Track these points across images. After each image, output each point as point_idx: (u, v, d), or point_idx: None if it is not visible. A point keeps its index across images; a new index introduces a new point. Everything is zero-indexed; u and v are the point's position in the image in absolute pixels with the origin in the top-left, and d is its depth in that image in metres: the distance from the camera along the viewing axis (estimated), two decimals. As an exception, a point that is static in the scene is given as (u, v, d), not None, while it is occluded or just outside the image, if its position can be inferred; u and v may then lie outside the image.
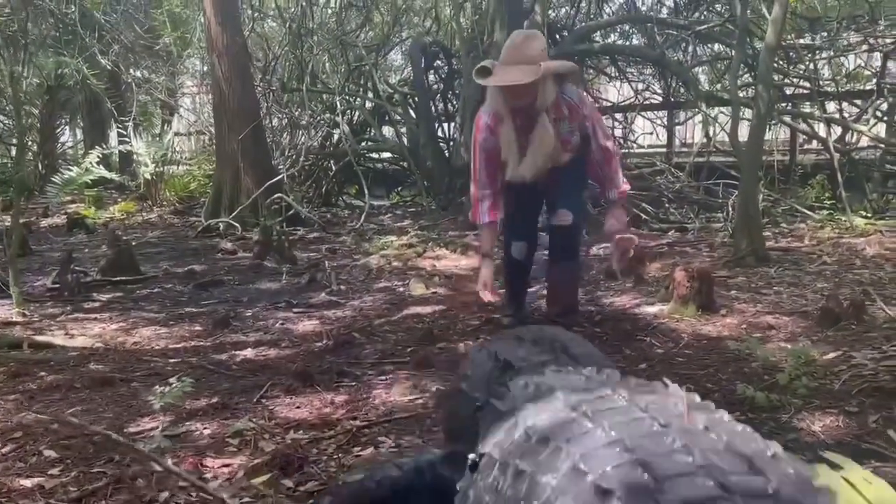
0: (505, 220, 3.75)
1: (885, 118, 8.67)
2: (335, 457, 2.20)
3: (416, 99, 10.21)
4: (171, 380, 2.59)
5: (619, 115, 10.91)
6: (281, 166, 9.17)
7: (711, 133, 8.41)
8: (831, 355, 3.10)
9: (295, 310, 4.41)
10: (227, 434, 2.40)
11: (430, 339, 3.55)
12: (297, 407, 2.67)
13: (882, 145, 8.28)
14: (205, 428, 2.50)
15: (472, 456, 1.28)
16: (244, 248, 6.87)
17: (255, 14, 9.74)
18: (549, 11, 9.78)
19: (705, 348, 3.36)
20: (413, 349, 3.43)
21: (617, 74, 11.09)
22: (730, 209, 7.32)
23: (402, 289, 4.89)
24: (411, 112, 10.51)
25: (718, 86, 9.58)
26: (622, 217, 3.70)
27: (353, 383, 2.97)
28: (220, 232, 7.91)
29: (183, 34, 10.50)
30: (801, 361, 2.93)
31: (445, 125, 10.91)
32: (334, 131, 10.25)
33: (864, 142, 8.88)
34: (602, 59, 10.90)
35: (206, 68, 10.89)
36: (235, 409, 2.68)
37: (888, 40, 8.36)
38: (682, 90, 10.14)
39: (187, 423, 2.54)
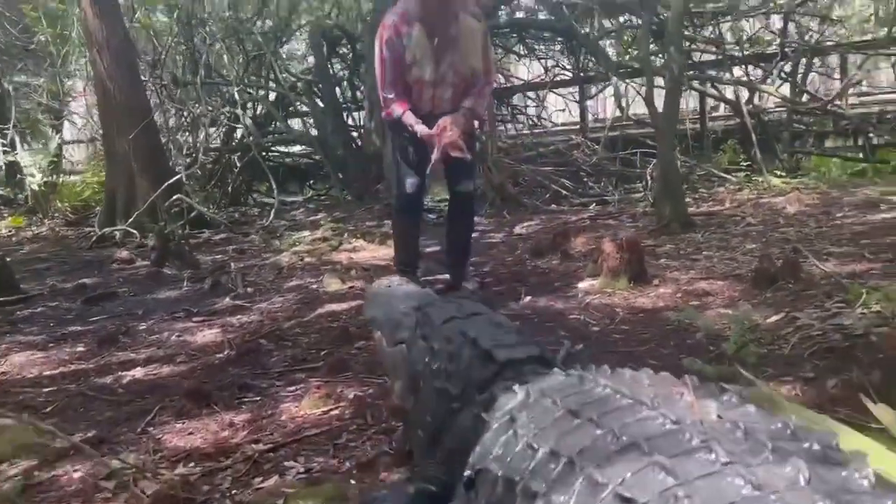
0: (400, 158, 3.80)
1: (790, 78, 8.77)
2: (230, 493, 1.83)
3: (321, 87, 9.75)
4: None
5: (531, 94, 10.72)
6: (180, 166, 8.55)
7: (623, 104, 8.30)
8: (774, 318, 2.92)
9: (195, 319, 3.96)
10: (101, 476, 1.99)
11: (347, 339, 3.20)
12: (190, 433, 2.28)
13: (789, 105, 8.36)
14: (75, 470, 2.08)
15: (467, 473, 1.22)
16: (142, 257, 6.30)
17: (138, 3, 9.03)
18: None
19: (643, 322, 3.13)
20: (327, 352, 3.07)
21: (525, 52, 10.89)
22: (648, 178, 7.23)
23: (315, 286, 4.50)
24: (317, 101, 10.04)
25: (627, 57, 9.50)
26: (460, 121, 3.59)
27: (258, 398, 2.59)
28: (116, 241, 7.29)
29: (62, 31, 9.67)
30: (746, 327, 2.74)
31: (354, 114, 10.50)
32: (237, 126, 9.67)
33: (771, 103, 8.99)
34: (510, 37, 10.68)
35: (90, 70, 10.13)
36: (115, 443, 2.26)
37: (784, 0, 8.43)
38: (591, 64, 10.04)
39: (54, 466, 2.11)
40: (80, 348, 3.53)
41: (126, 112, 7.59)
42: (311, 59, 11.39)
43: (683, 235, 4.93)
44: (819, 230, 4.65)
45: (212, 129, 9.92)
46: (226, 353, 3.19)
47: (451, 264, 4.09)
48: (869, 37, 9.25)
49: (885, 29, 8.83)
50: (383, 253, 5.42)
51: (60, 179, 10.25)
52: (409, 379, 1.81)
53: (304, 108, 10.38)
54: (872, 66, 9.85)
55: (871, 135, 8.71)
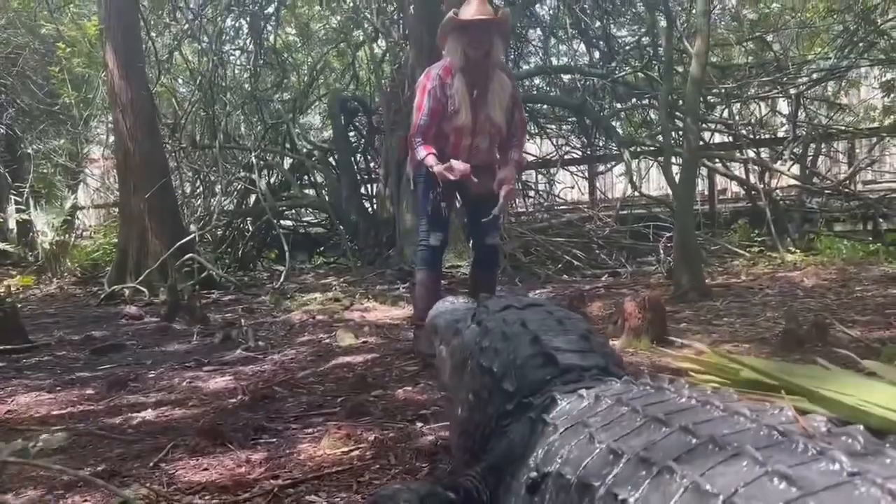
0: (427, 211, 3.82)
1: (799, 161, 8.89)
2: (251, 524, 1.73)
3: (337, 156, 9.91)
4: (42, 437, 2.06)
5: (541, 170, 10.88)
6: (192, 227, 8.60)
7: (634, 179, 8.39)
8: (807, 377, 2.82)
9: (206, 368, 3.87)
10: (112, 506, 1.89)
11: (364, 387, 3.11)
12: (205, 469, 2.18)
13: (801, 186, 8.44)
14: (84, 501, 1.98)
15: (532, 475, 1.14)
16: (151, 313, 6.25)
17: (162, 68, 9.28)
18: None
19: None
20: (344, 398, 2.98)
21: (537, 131, 11.12)
22: (661, 251, 7.23)
23: (328, 340, 4.43)
24: (332, 170, 10.19)
25: (637, 134, 9.67)
26: (513, 172, 3.87)
27: (274, 439, 2.49)
28: (125, 298, 7.25)
29: (85, 95, 9.92)
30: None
31: (367, 185, 10.64)
32: (251, 190, 9.78)
33: (782, 184, 9.09)
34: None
35: (111, 134, 10.32)
36: (127, 477, 2.16)
37: (792, 87, 8.64)
38: (601, 143, 10.23)
39: (63, 496, 2.01)
40: (89, 391, 3.44)
41: (144, 171, 7.69)
42: (325, 133, 11.67)
43: (701, 303, 4.88)
44: (840, 301, 4.59)
45: (226, 194, 10.02)
46: (239, 398, 3.09)
47: None
48: (875, 124, 9.45)
49: (892, 117, 9.03)
50: (396, 313, 5.36)
51: (72, 239, 10.29)
52: (458, 363, 1.76)
53: (319, 178, 10.53)
54: (878, 152, 10.00)
55: (880, 219, 8.76)
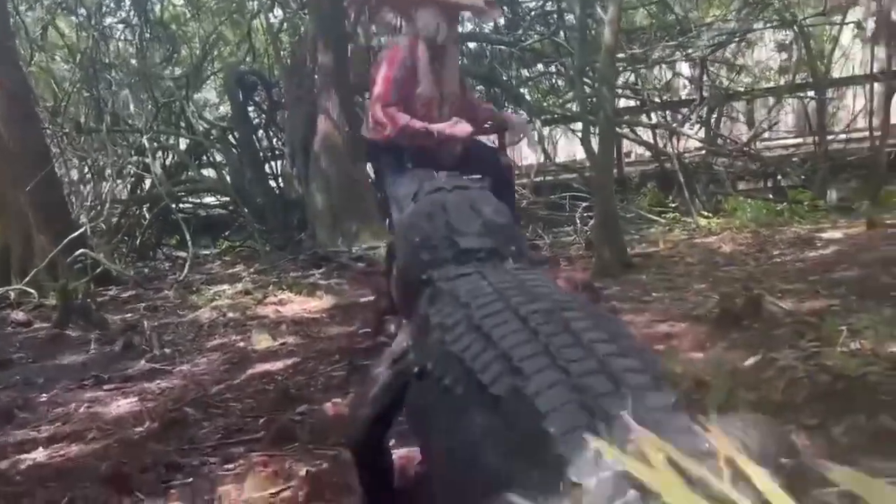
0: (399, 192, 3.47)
1: (704, 123, 9.02)
2: None
3: (238, 134, 9.36)
4: None
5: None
6: (83, 218, 7.93)
7: (547, 147, 8.30)
8: (752, 360, 2.75)
9: (106, 387, 3.49)
10: None
11: (287, 403, 2.84)
12: (109, 531, 1.87)
13: (707, 148, 8.57)
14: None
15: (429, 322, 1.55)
16: (41, 318, 5.69)
17: (35, 45, 8.47)
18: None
19: (612, 370, 2.91)
20: (266, 419, 2.70)
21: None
22: (578, 221, 7.18)
23: (242, 343, 4.09)
24: (233, 149, 9.63)
25: (546, 103, 9.58)
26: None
27: (190, 479, 2.20)
28: (11, 302, 6.60)
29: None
30: (727, 371, 2.56)
31: (272, 162, 10.13)
32: (146, 175, 9.12)
33: (687, 147, 9.21)
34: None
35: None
36: (13, 550, 1.83)
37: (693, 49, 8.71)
38: (510, 110, 10.09)
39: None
40: (-34, 429, 3.01)
41: (23, 160, 6.98)
42: (223, 108, 11.02)
43: (626, 277, 4.81)
44: (761, 268, 4.62)
45: (118, 180, 9.32)
46: (146, 425, 2.76)
47: None
48: (772, 83, 9.69)
49: (788, 76, 9.28)
50: (314, 305, 5.06)
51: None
52: (398, 234, 2.11)
53: (220, 158, 9.96)
54: (776, 112, 10.28)
55: (780, 177, 9.03)
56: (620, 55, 8.79)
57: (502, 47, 9.19)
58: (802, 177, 8.10)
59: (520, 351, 1.20)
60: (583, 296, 3.36)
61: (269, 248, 8.02)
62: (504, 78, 9.19)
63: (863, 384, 2.24)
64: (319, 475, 2.10)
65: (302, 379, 3.21)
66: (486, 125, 3.95)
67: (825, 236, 5.45)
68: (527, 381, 1.12)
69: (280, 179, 9.48)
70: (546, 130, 8.47)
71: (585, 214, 7.17)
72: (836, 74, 9.26)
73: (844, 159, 8.37)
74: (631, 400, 1.02)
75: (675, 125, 8.55)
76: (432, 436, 1.40)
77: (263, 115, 9.98)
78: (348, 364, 3.30)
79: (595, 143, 5.43)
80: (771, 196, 8.71)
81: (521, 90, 9.31)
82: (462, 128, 3.51)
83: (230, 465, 2.27)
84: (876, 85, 8.51)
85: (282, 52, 9.19)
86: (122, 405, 3.13)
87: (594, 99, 6.82)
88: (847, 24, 8.67)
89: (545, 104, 9.01)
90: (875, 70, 8.66)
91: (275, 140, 10.01)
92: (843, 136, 8.77)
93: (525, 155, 11.10)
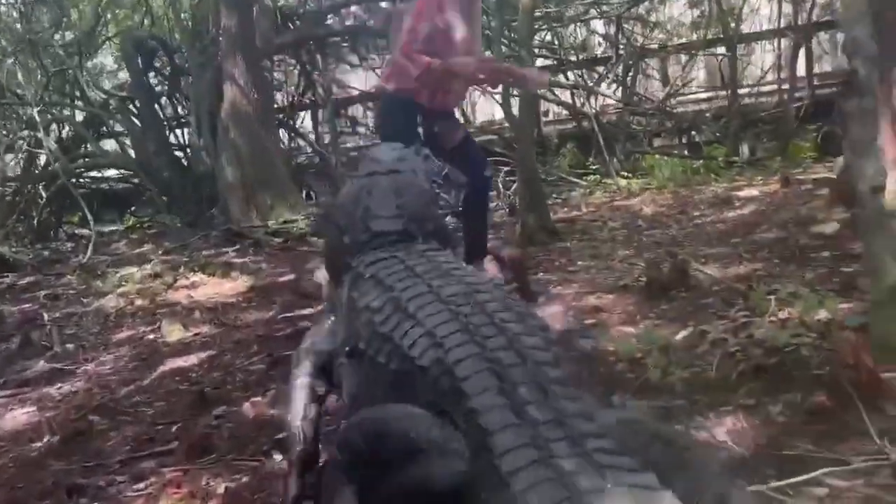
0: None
1: (620, 82, 9.04)
2: None
3: (138, 103, 8.80)
4: None
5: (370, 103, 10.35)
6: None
7: (467, 111, 8.15)
8: (683, 333, 2.71)
9: (0, 393, 3.19)
10: None
11: (203, 406, 2.63)
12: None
13: (623, 107, 8.59)
14: None
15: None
16: (-74, 313, 5.22)
17: None
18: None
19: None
20: (180, 426, 2.49)
21: (359, 62, 10.51)
22: (500, 186, 7.09)
23: (152, 336, 3.83)
24: (135, 120, 9.06)
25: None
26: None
27: (95, 505, 1.99)
28: None
29: None
30: (658, 346, 2.51)
31: (178, 131, 9.61)
32: (39, 151, 8.49)
33: (602, 106, 9.22)
34: (342, 46, 10.26)
35: None
36: None
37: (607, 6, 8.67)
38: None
39: None
40: None
41: None
42: (121, 75, 10.35)
43: (552, 245, 4.76)
44: (684, 231, 4.64)
45: (9, 156, 8.66)
46: (46, 439, 2.51)
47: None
48: (684, 39, 9.75)
49: (701, 31, 9.36)
50: (229, 288, 4.80)
51: None
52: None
53: (120, 129, 9.36)
54: (689, 68, 10.39)
55: (693, 133, 9.18)
56: (537, 13, 8.67)
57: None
58: (718, 133, 8.22)
59: (443, 328, 1.44)
60: (503, 275, 3.30)
61: (179, 225, 7.63)
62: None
63: (795, 358, 2.22)
64: (240, 491, 1.93)
65: (218, 375, 2.99)
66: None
67: (742, 195, 5.54)
68: (448, 353, 1.37)
69: (187, 150, 9.00)
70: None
71: (508, 179, 7.09)
72: (745, 30, 9.41)
73: (755, 114, 8.55)
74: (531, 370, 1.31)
75: (591, 84, 8.51)
76: (368, 403, 1.54)
77: (166, 83, 9.43)
78: (268, 356, 3.11)
79: (515, 105, 5.31)
80: (686, 152, 8.86)
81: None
82: (464, 63, 3.45)
83: (140, 485, 2.07)
84: (783, 40, 8.71)
85: (182, 15, 8.65)
86: (19, 415, 2.86)
87: (512, 59, 6.67)
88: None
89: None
90: (782, 25, 8.87)
91: (179, 108, 9.48)
92: (753, 91, 8.95)
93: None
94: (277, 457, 2.11)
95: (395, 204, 2.00)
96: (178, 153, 9.20)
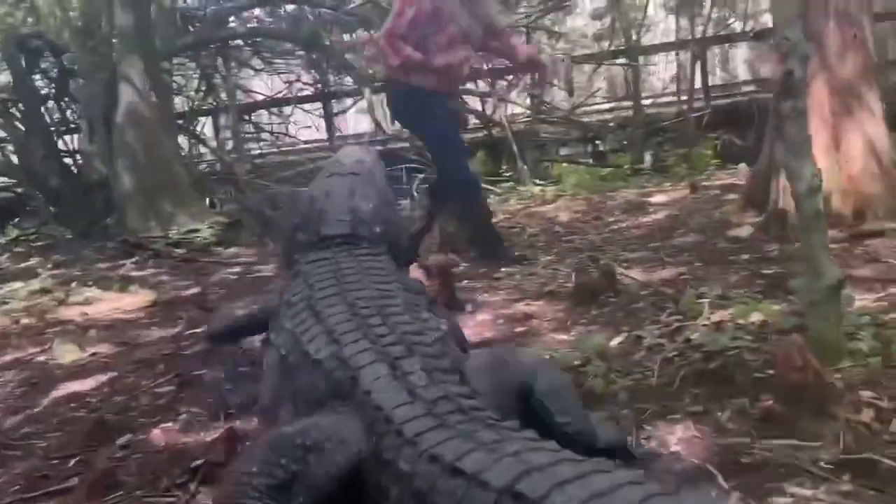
0: (447, 138, 4.00)
1: (530, 89, 9.11)
2: None
3: (22, 105, 8.16)
4: None
5: (274, 110, 10.04)
6: None
7: (380, 118, 7.99)
8: (617, 340, 2.66)
9: None
10: None
11: (104, 435, 2.35)
12: None
13: (534, 116, 8.66)
14: None
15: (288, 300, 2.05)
16: None
17: None
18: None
19: (477, 360, 2.70)
20: (80, 458, 2.22)
21: (263, 67, 10.18)
22: (416, 194, 6.98)
23: (42, 357, 3.46)
24: (18, 125, 8.39)
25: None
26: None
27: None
28: None
29: None
30: (597, 354, 2.44)
31: (67, 137, 8.98)
32: None
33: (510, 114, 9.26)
34: (244, 50, 9.91)
35: None
36: None
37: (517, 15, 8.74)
38: (334, 79, 9.64)
39: None
40: None
41: None
42: (2, 77, 9.58)
43: (472, 252, 4.66)
44: (602, 236, 4.64)
45: None
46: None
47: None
48: (588, 50, 9.96)
49: (605, 43, 9.58)
50: (128, 303, 4.44)
51: None
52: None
53: (2, 135, 8.66)
54: (593, 78, 10.62)
55: (598, 142, 9.38)
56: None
57: (322, 10, 8.70)
58: (625, 142, 8.41)
59: (341, 327, 1.69)
60: (418, 283, 3.18)
61: (70, 236, 7.11)
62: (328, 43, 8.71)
63: (736, 362, 2.19)
64: (153, 534, 1.70)
65: (121, 400, 2.70)
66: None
67: (654, 200, 5.63)
68: (343, 348, 1.62)
69: (77, 157, 8.43)
70: (375, 98, 8.12)
71: (422, 186, 6.98)
72: (643, 42, 9.68)
73: (658, 123, 8.80)
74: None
75: (502, 92, 8.54)
76: (270, 392, 1.88)
77: (53, 85, 8.80)
78: (177, 376, 2.85)
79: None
80: (591, 161, 9.02)
81: (348, 56, 8.86)
82: (450, 57, 3.74)
83: (33, 533, 1.81)
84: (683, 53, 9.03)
85: (71, 13, 8.09)
86: None
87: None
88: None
89: (372, 72, 8.62)
90: (676, 38, 9.22)
91: (69, 112, 8.88)
92: (655, 101, 9.23)
93: (354, 124, 10.74)
94: (192, 485, 1.90)
95: (349, 206, 2.21)
96: (68, 160, 8.61)
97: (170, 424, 2.38)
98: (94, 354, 3.38)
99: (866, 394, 1.89)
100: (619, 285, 3.25)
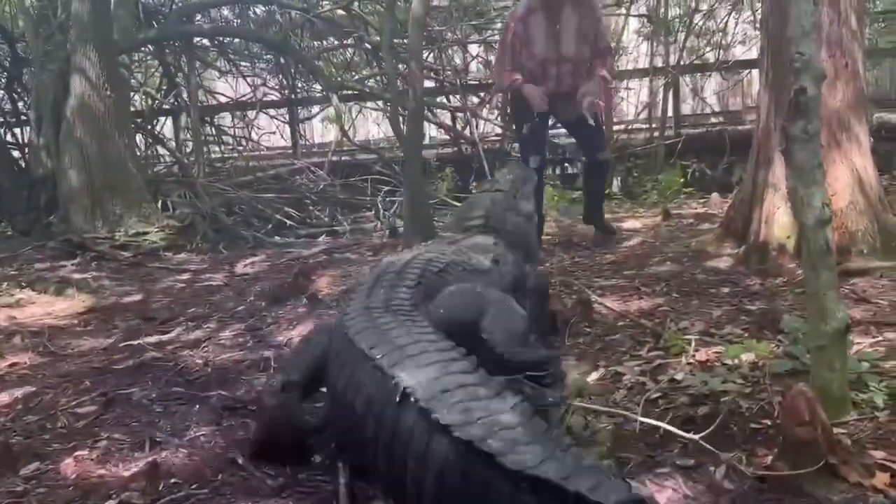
0: (524, 136, 4.64)
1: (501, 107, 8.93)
2: None
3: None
4: None
5: (238, 113, 9.69)
6: None
7: (347, 127, 7.72)
8: (595, 375, 2.44)
9: None
10: None
11: (9, 462, 2.04)
12: None
13: (505, 131, 8.48)
14: None
15: None
16: None
17: None
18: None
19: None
20: (-26, 491, 1.90)
21: (229, 69, 9.85)
22: (380, 206, 6.73)
23: (-44, 365, 3.11)
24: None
25: (341, 76, 8.95)
26: (596, 85, 4.45)
27: None
28: None
29: None
30: (575, 390, 2.21)
31: (15, 129, 8.55)
32: None
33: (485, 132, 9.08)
34: (210, 51, 9.57)
35: None
36: None
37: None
38: (301, 85, 9.34)
39: None
40: None
41: None
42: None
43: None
44: (573, 261, 4.44)
45: None
46: None
47: (592, 216, 5.06)
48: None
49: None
50: (62, 308, 4.10)
51: None
52: None
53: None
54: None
55: (567, 165, 9.23)
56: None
57: (293, 13, 8.42)
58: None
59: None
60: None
61: (11, 233, 6.68)
62: (297, 48, 8.43)
63: (729, 409, 1.97)
64: None
65: (34, 420, 2.39)
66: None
67: (626, 226, 5.45)
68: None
69: (26, 150, 7.99)
70: (344, 108, 7.87)
71: (388, 199, 6.74)
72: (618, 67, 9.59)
73: (628, 149, 8.68)
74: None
75: (474, 108, 8.35)
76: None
77: (4, 74, 8.37)
78: (102, 395, 2.54)
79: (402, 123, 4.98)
80: (559, 182, 8.86)
81: (318, 62, 8.58)
82: (529, 91, 4.43)
83: None
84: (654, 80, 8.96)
85: (27, 2, 7.71)
86: None
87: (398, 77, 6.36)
88: (634, 16, 8.98)
89: (343, 79, 8.36)
90: (649, 64, 9.15)
91: (19, 104, 8.44)
92: (625, 127, 9.13)
93: (320, 133, 10.44)
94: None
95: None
96: (16, 153, 8.18)
97: (85, 452, 2.08)
98: (13, 365, 3.06)
99: (878, 454, 1.69)
100: (595, 314, 3.03)
